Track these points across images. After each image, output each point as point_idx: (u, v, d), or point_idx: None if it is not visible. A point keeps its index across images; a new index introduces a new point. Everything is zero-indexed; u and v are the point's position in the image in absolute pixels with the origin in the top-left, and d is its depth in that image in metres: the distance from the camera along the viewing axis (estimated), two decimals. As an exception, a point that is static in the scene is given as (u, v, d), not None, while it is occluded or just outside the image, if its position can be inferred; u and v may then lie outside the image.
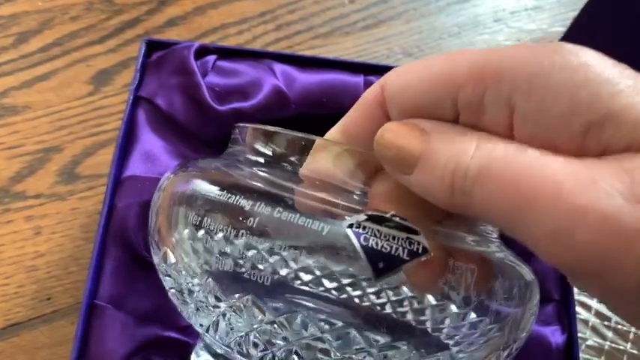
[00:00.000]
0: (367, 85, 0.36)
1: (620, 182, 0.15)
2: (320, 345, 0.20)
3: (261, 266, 0.21)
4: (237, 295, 0.20)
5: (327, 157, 0.21)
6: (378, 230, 0.18)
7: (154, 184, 0.32)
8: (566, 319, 0.33)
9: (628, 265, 0.15)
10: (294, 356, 0.20)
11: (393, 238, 0.18)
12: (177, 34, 0.48)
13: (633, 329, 0.39)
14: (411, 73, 0.19)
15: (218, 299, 0.21)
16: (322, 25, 0.49)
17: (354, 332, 0.20)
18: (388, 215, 0.19)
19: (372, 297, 0.23)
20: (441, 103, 0.19)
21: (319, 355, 0.20)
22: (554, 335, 0.33)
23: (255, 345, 0.21)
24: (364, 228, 0.18)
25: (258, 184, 0.21)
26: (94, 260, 0.30)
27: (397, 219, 0.19)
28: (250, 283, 0.20)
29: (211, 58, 0.35)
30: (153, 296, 0.31)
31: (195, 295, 0.22)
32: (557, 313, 0.34)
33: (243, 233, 0.20)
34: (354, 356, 0.20)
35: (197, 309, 0.22)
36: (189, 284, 0.22)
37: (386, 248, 0.18)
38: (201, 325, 0.22)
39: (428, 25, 0.50)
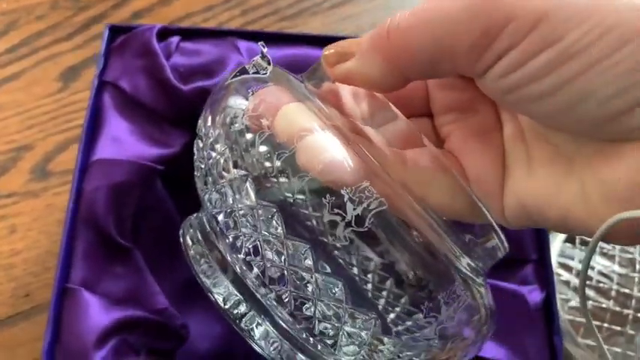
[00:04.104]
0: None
1: None
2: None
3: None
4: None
5: None
6: None
7: (122, 166, 0.32)
8: (544, 277, 0.33)
9: None
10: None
11: None
12: (143, 26, 0.47)
13: (615, 286, 0.39)
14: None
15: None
16: (289, 7, 0.49)
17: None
18: None
19: None
20: None
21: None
22: (532, 294, 0.33)
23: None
24: None
25: None
26: (64, 244, 0.30)
27: None
28: None
29: (175, 39, 0.35)
30: (127, 278, 0.30)
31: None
32: (535, 273, 0.34)
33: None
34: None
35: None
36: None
37: None
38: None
39: (395, 0, 0.51)
